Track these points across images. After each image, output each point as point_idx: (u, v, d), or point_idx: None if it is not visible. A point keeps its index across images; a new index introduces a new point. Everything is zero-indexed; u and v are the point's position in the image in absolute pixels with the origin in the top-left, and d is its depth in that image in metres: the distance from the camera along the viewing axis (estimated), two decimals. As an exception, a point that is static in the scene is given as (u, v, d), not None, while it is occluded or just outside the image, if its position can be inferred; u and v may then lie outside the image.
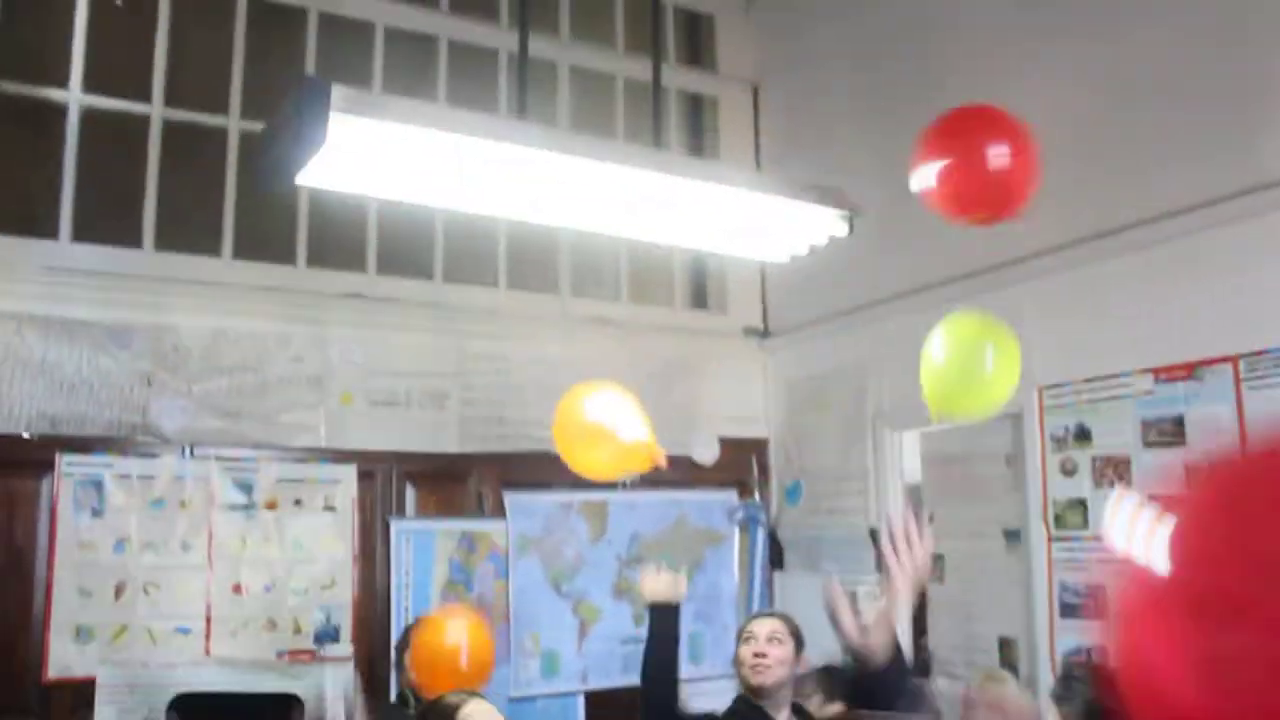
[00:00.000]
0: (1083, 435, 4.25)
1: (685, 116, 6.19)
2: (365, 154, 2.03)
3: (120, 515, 4.27)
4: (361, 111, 1.89)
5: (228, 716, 4.00)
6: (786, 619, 3.11)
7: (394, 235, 5.06)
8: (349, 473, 4.73)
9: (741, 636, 3.09)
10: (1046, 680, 4.22)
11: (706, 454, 5.60)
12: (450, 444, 5.01)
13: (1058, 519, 4.31)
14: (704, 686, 3.86)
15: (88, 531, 4.21)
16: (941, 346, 2.84)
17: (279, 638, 4.49)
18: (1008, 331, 2.90)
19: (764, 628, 3.05)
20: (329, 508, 4.69)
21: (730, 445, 5.71)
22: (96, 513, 4.24)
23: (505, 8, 5.56)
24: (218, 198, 4.77)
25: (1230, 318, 3.75)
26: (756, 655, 2.97)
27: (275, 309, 4.73)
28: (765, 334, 5.91)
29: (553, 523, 5.14)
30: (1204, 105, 3.86)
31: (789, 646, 3.03)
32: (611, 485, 5.30)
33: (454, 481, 5.02)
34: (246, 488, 4.54)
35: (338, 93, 1.81)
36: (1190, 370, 3.88)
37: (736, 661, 3.07)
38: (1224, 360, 3.77)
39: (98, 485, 4.26)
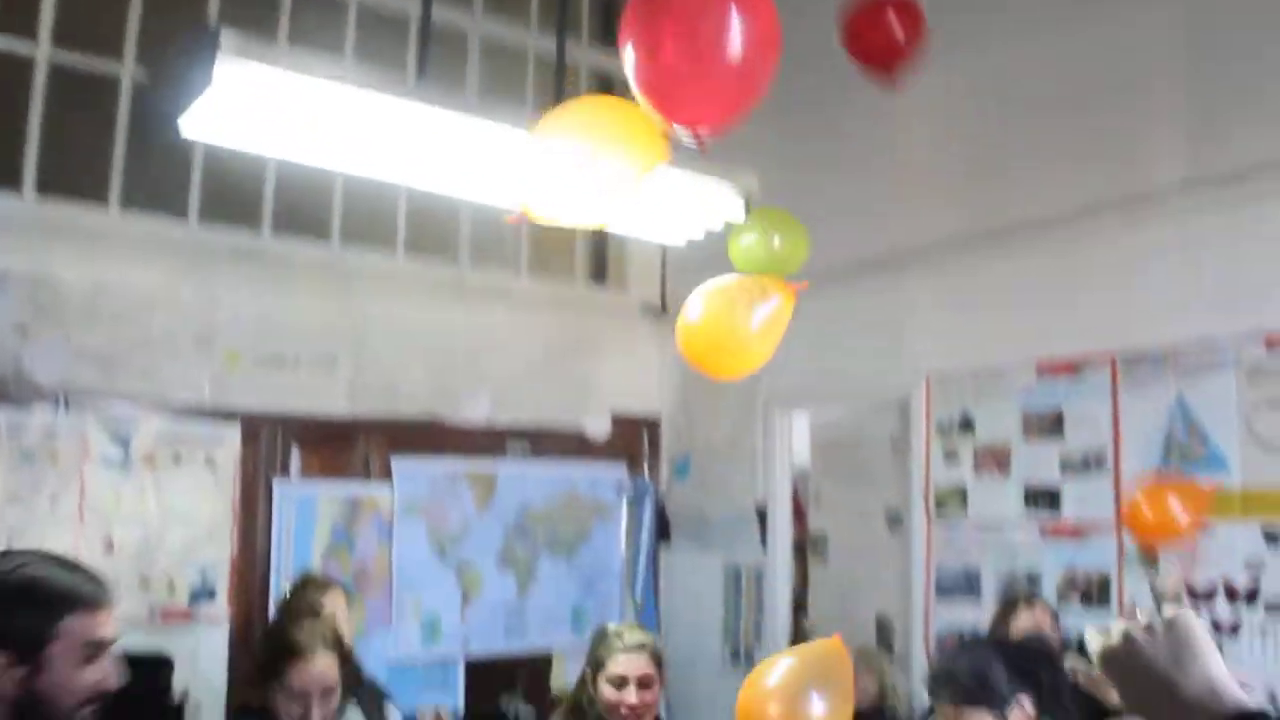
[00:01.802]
0: (966, 424, 4.36)
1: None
2: (254, 105, 1.97)
3: (-15, 467, 4.11)
4: (250, 56, 1.83)
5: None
6: (653, 649, 2.78)
7: (291, 193, 4.93)
8: (233, 431, 4.62)
9: (604, 672, 2.73)
10: (919, 657, 4.35)
11: (598, 428, 5.61)
12: (339, 407, 4.92)
13: (939, 504, 4.42)
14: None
15: (-51, 483, 4.04)
16: None
17: (152, 596, 4.38)
18: None
19: (635, 668, 2.71)
20: (209, 465, 4.58)
21: (622, 421, 5.73)
22: (-41, 464, 4.08)
23: (417, -32, 5.45)
24: (106, 145, 4.59)
25: (1111, 318, 3.88)
26: (630, 709, 2.69)
27: (163, 263, 4.57)
28: (663, 311, 5.92)
29: (439, 490, 5.09)
30: (1091, 112, 3.98)
31: (657, 687, 2.76)
32: (501, 453, 5.29)
33: (341, 444, 4.94)
34: (124, 442, 4.40)
35: (227, 37, 1.75)
36: (1071, 367, 3.99)
37: (601, 703, 2.74)
38: (1103, 359, 3.89)
39: (-39, 436, 4.10)
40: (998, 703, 2.03)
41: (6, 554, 1.77)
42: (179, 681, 4.10)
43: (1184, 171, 3.67)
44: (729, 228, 2.78)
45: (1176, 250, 3.68)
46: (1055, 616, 3.57)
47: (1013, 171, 4.24)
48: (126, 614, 4.32)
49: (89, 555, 4.23)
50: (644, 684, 2.72)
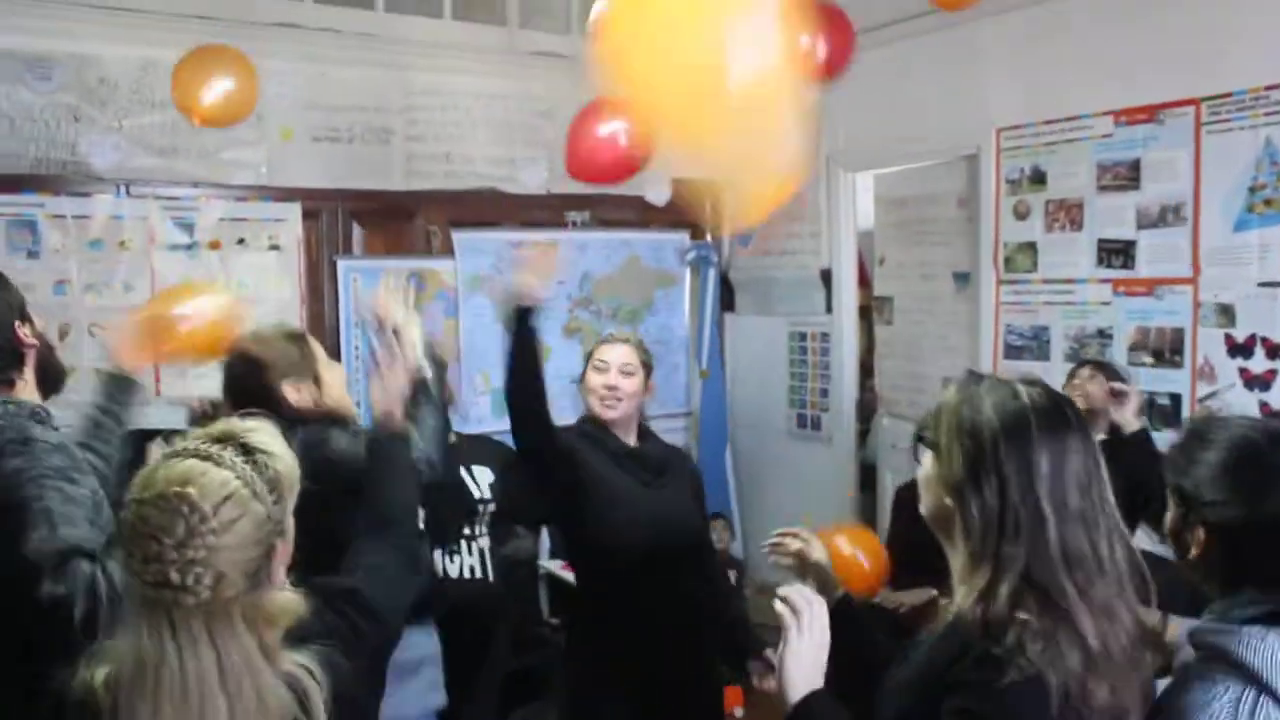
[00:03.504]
0: (1038, 178, 4.22)
1: None
2: None
3: (58, 257, 4.17)
4: None
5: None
6: (639, 346, 2.91)
7: (330, -41, 4.74)
8: (293, 211, 4.62)
9: (592, 361, 2.88)
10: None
11: (659, 194, 5.51)
12: (396, 181, 4.88)
13: (1008, 261, 4.34)
14: (654, 425, 3.91)
15: (25, 274, 4.08)
16: None
17: (230, 378, 4.49)
18: None
19: (616, 357, 2.84)
20: (274, 247, 4.61)
21: (684, 185, 5.62)
22: (33, 254, 4.13)
23: None
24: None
25: (1194, 60, 3.68)
26: (608, 388, 2.81)
27: (206, 39, 4.45)
28: (722, 70, 5.71)
29: (502, 262, 5.09)
30: None
31: (639, 378, 2.85)
32: (562, 224, 5.25)
33: (401, 220, 4.93)
34: (188, 227, 4.43)
35: None
36: (1152, 113, 3.81)
37: (584, 386, 2.89)
38: (1186, 103, 3.70)
39: (31, 226, 4.13)
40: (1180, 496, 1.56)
41: None
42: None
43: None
44: None
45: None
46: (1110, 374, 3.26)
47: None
48: (208, 396, 4.48)
49: (166, 339, 4.34)
50: (625, 371, 2.82)
